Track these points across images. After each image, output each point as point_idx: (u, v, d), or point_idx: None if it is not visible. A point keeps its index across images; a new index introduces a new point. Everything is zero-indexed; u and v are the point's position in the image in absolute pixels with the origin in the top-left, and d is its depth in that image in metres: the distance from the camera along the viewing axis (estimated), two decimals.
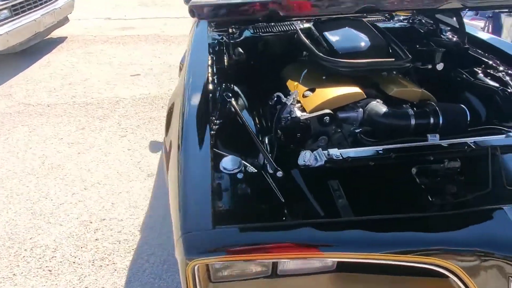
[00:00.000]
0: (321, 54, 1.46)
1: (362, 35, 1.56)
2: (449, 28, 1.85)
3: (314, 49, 1.50)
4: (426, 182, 1.05)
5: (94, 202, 1.90)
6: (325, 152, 1.04)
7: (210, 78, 1.43)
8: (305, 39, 1.60)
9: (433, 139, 1.17)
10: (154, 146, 2.37)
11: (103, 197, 1.93)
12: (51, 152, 2.31)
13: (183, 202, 0.86)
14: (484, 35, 1.85)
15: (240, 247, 0.76)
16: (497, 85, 1.41)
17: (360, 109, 1.32)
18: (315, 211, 0.91)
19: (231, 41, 1.74)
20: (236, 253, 0.76)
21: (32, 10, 3.66)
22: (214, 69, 1.52)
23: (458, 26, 1.70)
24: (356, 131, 1.35)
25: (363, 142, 1.32)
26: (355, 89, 1.35)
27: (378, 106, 1.29)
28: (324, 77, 1.52)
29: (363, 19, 1.75)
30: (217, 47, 1.74)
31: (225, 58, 1.67)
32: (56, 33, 4.39)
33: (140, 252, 1.61)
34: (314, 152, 1.04)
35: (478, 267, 0.78)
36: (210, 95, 1.31)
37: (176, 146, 1.10)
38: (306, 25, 1.76)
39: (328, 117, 1.27)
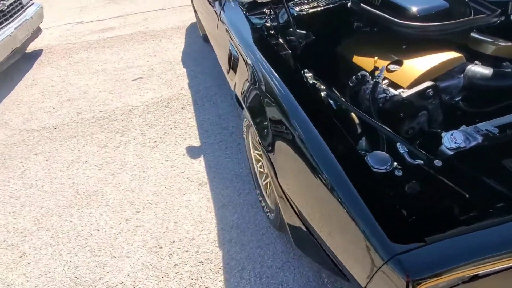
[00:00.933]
0: (400, 21, 1.33)
1: None
2: None
3: (388, 16, 1.36)
4: None
5: (154, 224, 1.73)
6: (472, 128, 0.93)
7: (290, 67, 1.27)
8: (369, 7, 1.46)
9: None
10: (193, 152, 2.19)
11: (161, 218, 1.76)
12: (81, 179, 2.08)
13: (366, 220, 0.73)
14: None
15: (467, 259, 0.65)
16: None
17: (462, 75, 1.21)
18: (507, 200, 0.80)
19: (282, 23, 1.56)
20: (462, 267, 0.65)
21: (3, 25, 3.25)
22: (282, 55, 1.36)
23: None
24: (456, 99, 1.25)
25: (465, 110, 1.22)
26: (454, 54, 1.23)
27: (482, 69, 1.19)
28: (404, 47, 1.40)
29: None
30: (265, 31, 1.56)
31: (281, 41, 1.49)
32: (30, 47, 3.96)
33: (229, 269, 1.47)
34: (460, 130, 0.93)
35: None
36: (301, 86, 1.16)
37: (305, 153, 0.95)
38: None
39: (431, 90, 1.16)
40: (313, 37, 1.50)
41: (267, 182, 1.60)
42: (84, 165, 2.21)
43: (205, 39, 3.61)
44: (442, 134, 0.95)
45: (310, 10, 1.64)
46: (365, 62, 1.37)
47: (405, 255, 0.66)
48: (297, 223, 1.10)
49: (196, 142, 2.28)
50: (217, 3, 1.99)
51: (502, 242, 0.67)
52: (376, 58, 1.33)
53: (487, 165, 0.89)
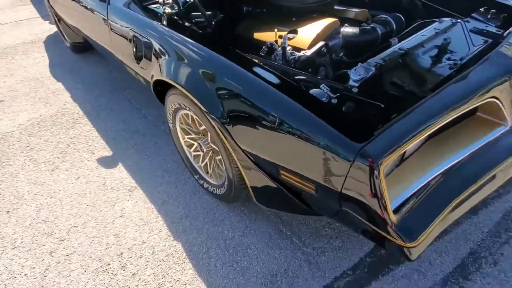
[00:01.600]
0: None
1: None
2: None
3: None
4: None
5: (89, 246, 1.50)
6: (366, 63, 1.22)
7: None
8: None
9: (395, 42, 1.53)
10: (107, 162, 1.97)
11: (96, 236, 1.54)
12: None
13: (326, 133, 0.90)
14: None
15: (406, 137, 0.89)
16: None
17: (340, 35, 1.54)
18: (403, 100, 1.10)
19: (182, 9, 1.61)
20: (404, 143, 0.89)
21: None
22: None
23: None
24: (340, 54, 1.58)
25: (348, 62, 1.56)
26: (331, 19, 1.55)
27: (351, 29, 1.54)
28: (294, 19, 1.65)
29: None
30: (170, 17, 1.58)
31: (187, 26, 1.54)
32: None
33: (194, 255, 1.44)
34: (360, 66, 1.21)
35: None
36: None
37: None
38: None
39: (325, 48, 1.44)
40: (221, 15, 1.60)
41: (206, 163, 1.63)
42: None
43: (75, 48, 3.23)
44: (348, 71, 1.21)
45: None
46: (266, 36, 1.56)
47: (364, 148, 0.86)
48: (262, 180, 1.19)
49: (106, 152, 2.06)
50: (99, 5, 1.85)
51: (421, 118, 0.95)
52: (276, 30, 1.54)
53: (383, 84, 1.20)
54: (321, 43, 1.43)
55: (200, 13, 1.58)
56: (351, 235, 1.48)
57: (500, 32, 1.39)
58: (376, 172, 0.84)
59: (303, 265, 1.38)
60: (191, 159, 1.71)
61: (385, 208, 0.88)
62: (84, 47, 3.12)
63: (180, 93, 1.37)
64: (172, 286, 1.34)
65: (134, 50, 1.61)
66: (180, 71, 1.29)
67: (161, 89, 1.58)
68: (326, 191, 0.98)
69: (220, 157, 1.40)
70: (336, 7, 1.79)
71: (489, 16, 1.55)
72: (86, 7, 2.06)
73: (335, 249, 1.43)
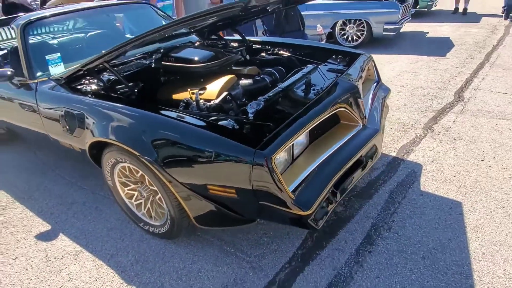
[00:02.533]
0: (193, 65, 2.02)
1: (201, 50, 2.25)
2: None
3: (185, 65, 2.04)
4: None
5: None
6: (258, 100, 1.66)
7: None
8: (169, 63, 2.10)
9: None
10: (47, 236, 1.97)
11: None
12: None
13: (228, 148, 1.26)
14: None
15: (285, 138, 1.29)
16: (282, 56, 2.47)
17: (239, 86, 2.01)
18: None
19: (107, 84, 1.93)
20: (285, 142, 1.28)
21: None
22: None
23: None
24: (243, 100, 2.04)
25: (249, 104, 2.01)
26: (230, 75, 2.03)
27: (247, 80, 2.03)
28: (202, 79, 2.10)
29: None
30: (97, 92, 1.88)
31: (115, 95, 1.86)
32: None
33: None
34: (253, 102, 1.64)
35: None
36: None
37: None
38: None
39: (229, 96, 1.88)
40: (142, 84, 1.95)
41: (148, 208, 1.81)
42: None
43: None
44: (246, 107, 1.63)
45: (127, 73, 2.09)
46: (182, 95, 1.95)
47: (257, 150, 1.22)
48: (198, 202, 1.44)
49: (45, 227, 2.07)
50: (25, 93, 2.06)
51: (295, 125, 1.37)
52: (189, 89, 1.94)
53: (270, 111, 1.63)
54: (225, 93, 1.85)
55: (123, 85, 1.91)
56: (284, 237, 1.77)
57: (345, 68, 2.02)
58: (269, 164, 1.19)
59: (248, 271, 1.60)
60: (134, 209, 1.88)
61: (283, 190, 1.23)
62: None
63: (115, 148, 1.61)
64: None
65: (67, 123, 1.82)
66: (112, 130, 1.54)
67: (96, 152, 1.80)
68: (243, 192, 1.29)
69: (159, 195, 1.62)
70: (233, 67, 2.31)
71: (338, 60, 2.22)
72: (9, 98, 2.24)
73: (272, 251, 1.69)
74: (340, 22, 5.39)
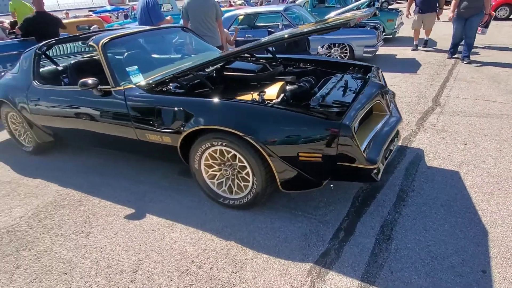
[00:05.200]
0: (252, 74, 2.58)
1: (250, 63, 2.82)
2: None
3: (246, 74, 2.59)
4: None
5: (169, 263, 1.86)
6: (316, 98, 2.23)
7: None
8: (230, 73, 2.64)
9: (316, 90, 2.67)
10: (134, 216, 2.33)
11: (167, 258, 1.91)
12: None
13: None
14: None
15: (354, 114, 1.87)
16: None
17: (288, 90, 2.59)
18: None
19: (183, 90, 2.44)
20: (354, 118, 1.86)
21: None
22: None
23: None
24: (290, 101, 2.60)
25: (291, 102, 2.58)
26: (281, 82, 2.60)
27: (293, 86, 2.61)
28: (259, 85, 2.65)
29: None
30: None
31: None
32: None
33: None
34: (315, 99, 2.20)
35: None
36: None
37: None
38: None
39: (285, 96, 2.44)
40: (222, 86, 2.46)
41: (229, 185, 2.26)
42: None
43: (38, 150, 3.44)
44: (310, 102, 2.19)
45: (197, 80, 2.59)
46: (245, 97, 2.47)
47: (343, 122, 1.78)
48: (287, 171, 1.92)
49: (128, 211, 2.42)
50: (111, 98, 2.47)
51: (356, 107, 1.96)
52: (252, 93, 2.47)
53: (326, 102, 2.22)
54: (282, 95, 2.41)
55: (205, 88, 2.41)
56: (336, 202, 2.29)
57: (364, 76, 2.67)
58: (351, 131, 1.75)
59: (318, 224, 2.09)
60: (214, 188, 2.31)
61: (359, 151, 1.78)
62: (48, 147, 3.43)
63: (211, 135, 2.08)
64: (243, 263, 1.84)
65: (164, 120, 2.22)
66: (214, 118, 2.01)
67: (185, 142, 2.24)
68: (327, 156, 1.82)
69: (247, 170, 2.09)
70: (276, 77, 2.88)
71: (355, 71, 2.88)
72: (83, 105, 2.62)
73: (331, 211, 2.20)
74: (326, 45, 6.25)
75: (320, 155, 1.85)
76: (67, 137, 3.10)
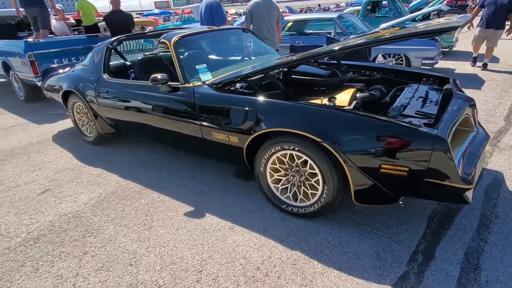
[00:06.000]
0: (319, 79, 2.49)
1: (317, 68, 2.73)
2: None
3: (318, 79, 2.50)
4: None
5: (233, 266, 1.80)
6: (396, 108, 2.08)
7: None
8: (299, 77, 2.57)
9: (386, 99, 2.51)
10: (194, 214, 2.31)
11: (230, 262, 1.85)
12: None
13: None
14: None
15: (447, 128, 1.71)
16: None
17: (359, 97, 2.45)
18: None
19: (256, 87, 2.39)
20: (449, 131, 1.70)
21: None
22: None
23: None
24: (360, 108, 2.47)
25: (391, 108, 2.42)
26: (353, 89, 2.48)
27: (363, 93, 2.48)
28: (327, 91, 2.54)
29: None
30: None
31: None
32: None
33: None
34: (395, 108, 2.06)
35: None
36: None
37: None
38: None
39: (357, 102, 2.31)
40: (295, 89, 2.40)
41: (294, 191, 2.17)
42: (82, 279, 1.81)
43: (99, 140, 3.58)
44: (390, 111, 2.05)
45: (265, 81, 2.55)
46: (321, 100, 2.37)
47: (438, 135, 1.62)
48: (364, 182, 1.79)
49: (188, 208, 2.40)
50: (179, 94, 2.48)
51: (448, 118, 1.80)
52: (321, 99, 2.37)
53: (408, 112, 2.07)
54: (354, 102, 2.29)
55: (276, 90, 2.37)
56: (408, 221, 2.11)
57: (441, 88, 2.47)
58: (447, 145, 1.59)
59: (391, 243, 1.93)
60: (277, 193, 2.23)
61: (455, 167, 1.62)
62: (108, 138, 3.56)
63: (281, 138, 2.00)
64: (312, 276, 1.73)
65: (233, 119, 2.18)
66: (291, 121, 1.93)
67: (251, 144, 2.18)
68: (415, 170, 1.67)
69: (317, 177, 1.99)
70: (345, 84, 2.76)
71: (429, 82, 2.69)
72: (151, 100, 2.67)
73: (404, 230, 2.03)
74: (379, 55, 6.01)
75: (407, 169, 1.71)
76: (129, 130, 3.18)
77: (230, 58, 3.07)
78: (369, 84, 2.71)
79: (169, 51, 2.68)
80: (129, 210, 2.43)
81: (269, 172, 2.22)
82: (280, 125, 1.99)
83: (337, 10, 21.58)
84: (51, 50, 5.17)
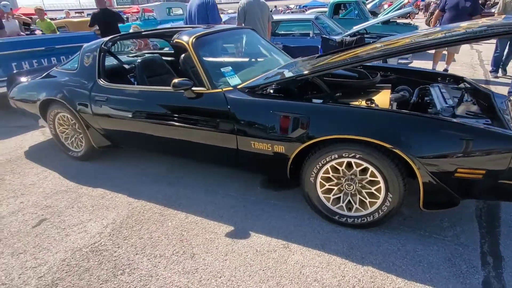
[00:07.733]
0: (352, 80, 2.40)
1: (347, 72, 2.64)
2: None
3: (354, 81, 2.40)
4: None
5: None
6: (445, 108, 2.05)
7: None
8: (335, 79, 2.45)
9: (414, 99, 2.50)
10: (237, 234, 2.06)
11: (302, 286, 1.65)
12: None
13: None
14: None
15: None
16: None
17: (392, 97, 2.40)
18: None
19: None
20: None
21: None
22: None
23: None
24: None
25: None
26: (387, 90, 2.42)
27: (397, 95, 2.43)
28: (362, 93, 2.46)
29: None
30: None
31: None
32: None
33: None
34: (446, 109, 2.03)
35: None
36: None
37: None
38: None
39: (392, 104, 2.26)
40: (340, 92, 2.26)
41: (348, 200, 2.03)
42: None
43: (90, 154, 3.12)
44: (442, 112, 2.01)
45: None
46: (359, 102, 2.25)
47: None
48: (436, 189, 1.71)
49: (226, 229, 2.14)
50: (207, 101, 2.21)
51: None
52: (359, 101, 2.27)
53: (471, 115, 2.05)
54: (394, 103, 2.24)
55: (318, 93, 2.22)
56: (459, 221, 2.10)
57: (461, 87, 2.52)
58: None
59: (457, 247, 1.89)
60: (328, 203, 2.08)
61: None
62: (99, 153, 3.15)
63: (339, 146, 1.86)
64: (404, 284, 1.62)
65: (283, 127, 1.98)
66: (354, 127, 1.79)
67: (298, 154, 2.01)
68: (492, 172, 1.64)
69: (379, 185, 1.88)
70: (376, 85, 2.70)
71: (446, 81, 2.74)
72: (168, 108, 2.36)
73: (461, 232, 2.01)
74: None
75: (484, 171, 1.67)
76: (132, 142, 2.80)
77: (246, 59, 2.85)
78: (393, 85, 2.69)
79: (168, 52, 2.39)
80: (158, 236, 2.10)
81: (320, 182, 2.06)
82: (342, 131, 1.84)
83: (288, 12, 22.07)
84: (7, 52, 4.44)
